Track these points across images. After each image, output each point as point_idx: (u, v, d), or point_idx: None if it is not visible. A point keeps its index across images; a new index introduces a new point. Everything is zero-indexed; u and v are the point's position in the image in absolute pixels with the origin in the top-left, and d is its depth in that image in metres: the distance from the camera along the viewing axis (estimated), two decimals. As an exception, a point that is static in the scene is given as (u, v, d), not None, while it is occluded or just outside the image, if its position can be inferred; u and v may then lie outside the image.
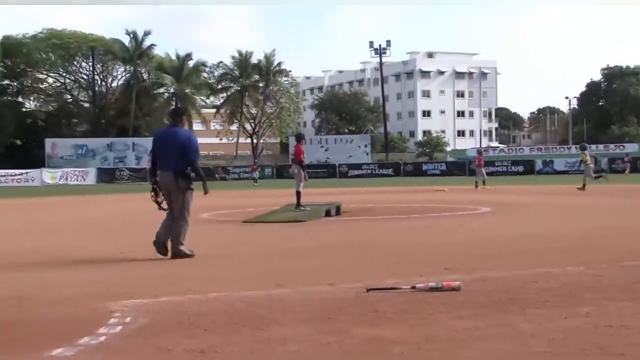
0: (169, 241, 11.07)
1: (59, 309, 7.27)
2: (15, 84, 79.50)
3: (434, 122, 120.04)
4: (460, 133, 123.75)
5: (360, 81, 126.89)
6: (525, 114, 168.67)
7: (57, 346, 5.67)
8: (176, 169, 11.01)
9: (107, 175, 63.41)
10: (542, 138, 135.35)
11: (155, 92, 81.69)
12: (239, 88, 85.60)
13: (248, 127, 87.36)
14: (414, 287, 7.63)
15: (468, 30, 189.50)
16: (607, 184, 32.93)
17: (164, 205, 11.38)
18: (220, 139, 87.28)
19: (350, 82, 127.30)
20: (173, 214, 11.14)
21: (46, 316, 6.94)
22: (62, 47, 77.72)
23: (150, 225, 18.11)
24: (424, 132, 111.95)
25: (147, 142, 69.24)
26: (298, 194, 19.88)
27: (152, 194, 11.50)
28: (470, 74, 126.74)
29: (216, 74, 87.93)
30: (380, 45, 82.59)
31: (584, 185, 30.11)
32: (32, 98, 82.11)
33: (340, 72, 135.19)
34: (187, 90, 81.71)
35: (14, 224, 19.95)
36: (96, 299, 7.60)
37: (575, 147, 69.81)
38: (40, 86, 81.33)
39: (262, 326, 6.23)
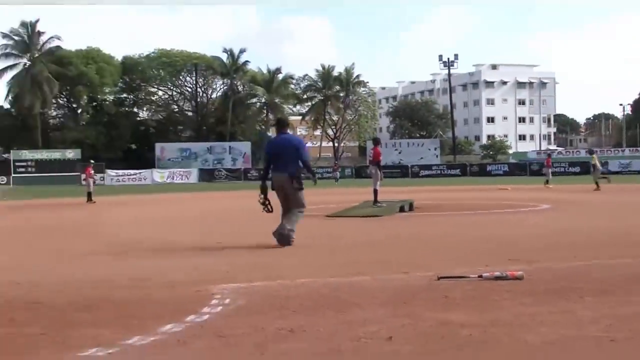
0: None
1: (168, 291, 7.41)
2: (132, 96, 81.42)
3: (497, 128, 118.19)
4: (521, 137, 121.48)
5: (431, 91, 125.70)
6: (581, 119, 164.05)
7: (167, 323, 5.78)
8: (291, 172, 11.22)
9: (207, 175, 64.23)
10: (598, 142, 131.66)
11: (248, 102, 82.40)
12: (322, 98, 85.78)
13: (330, 132, 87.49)
14: (480, 276, 7.53)
15: (529, 44, 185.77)
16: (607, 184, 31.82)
17: (270, 207, 11.57)
18: (306, 143, 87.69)
19: (422, 92, 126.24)
20: (289, 210, 11.26)
21: (157, 297, 7.08)
22: (171, 64, 79.22)
23: (243, 218, 18.37)
24: (488, 137, 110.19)
25: (241, 146, 70.22)
26: (375, 191, 19.82)
27: (262, 195, 11.56)
28: (531, 83, 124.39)
29: (302, 85, 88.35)
30: (448, 59, 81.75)
31: (597, 185, 29.66)
32: (145, 109, 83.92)
33: (413, 82, 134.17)
34: (276, 100, 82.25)
35: (130, 217, 20.39)
36: (199, 283, 7.71)
37: (630, 150, 68.17)
38: (152, 98, 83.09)
39: (344, 309, 6.23)
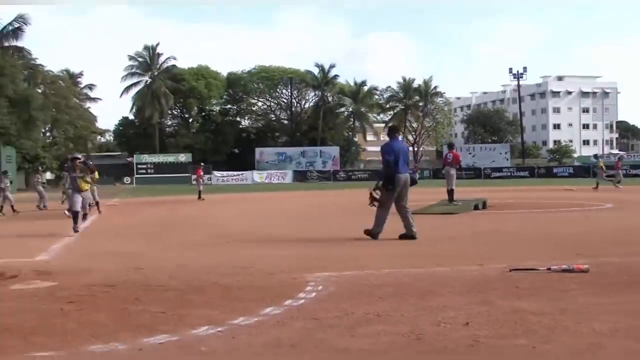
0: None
1: (268, 277, 7.49)
2: (235, 107, 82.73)
3: (563, 133, 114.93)
4: (585, 142, 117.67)
5: (502, 100, 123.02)
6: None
7: (267, 306, 5.85)
8: (410, 173, 11.42)
9: (300, 176, 64.66)
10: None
11: (337, 111, 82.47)
12: (403, 107, 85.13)
13: (410, 138, 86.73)
14: (549, 269, 7.34)
15: (592, 55, 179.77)
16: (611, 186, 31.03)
17: (376, 202, 11.41)
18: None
19: (493, 101, 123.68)
20: (402, 207, 11.16)
21: (258, 283, 7.16)
22: (269, 78, 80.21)
23: (332, 214, 18.42)
24: (554, 142, 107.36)
25: (331, 150, 70.41)
26: (451, 191, 19.58)
27: (377, 191, 11.46)
28: (594, 93, 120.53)
29: (385, 95, 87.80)
30: (518, 71, 79.85)
31: (597, 185, 30.46)
32: (246, 118, 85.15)
33: (485, 93, 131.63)
34: (362, 109, 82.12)
35: (234, 213, 20.73)
36: (295, 271, 7.77)
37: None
38: (253, 108, 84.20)
39: (425, 296, 6.17)
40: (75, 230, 13.47)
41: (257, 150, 71.11)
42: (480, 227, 13.53)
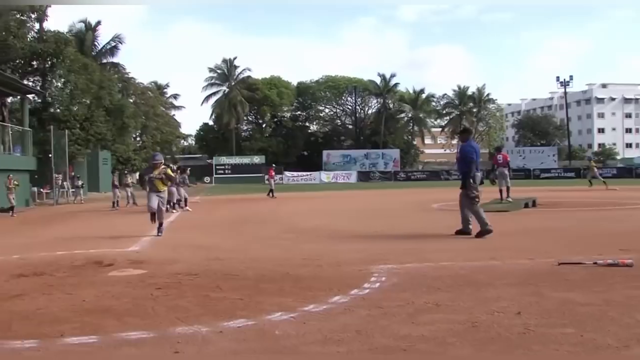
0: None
1: (335, 269, 7.50)
2: (304, 114, 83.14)
3: (607, 137, 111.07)
4: (628, 145, 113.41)
5: (549, 106, 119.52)
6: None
7: (335, 295, 5.87)
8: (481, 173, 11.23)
9: (364, 176, 64.45)
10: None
11: (398, 116, 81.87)
12: (458, 113, 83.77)
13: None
14: (595, 263, 7.16)
15: (635, 65, 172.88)
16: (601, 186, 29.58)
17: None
18: (445, 150, 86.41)
19: (542, 107, 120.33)
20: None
21: (326, 274, 7.19)
22: (335, 87, 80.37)
23: (394, 212, 18.30)
24: (599, 145, 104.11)
25: (392, 153, 70.05)
26: (501, 191, 19.22)
27: (480, 190, 11.09)
28: (637, 99, 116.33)
29: (441, 102, 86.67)
30: (564, 79, 77.61)
31: (591, 184, 30.28)
32: (314, 123, 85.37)
33: (534, 99, 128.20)
34: (420, 115, 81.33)
35: (303, 209, 20.82)
36: (360, 263, 7.77)
37: None
38: (320, 115, 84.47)
39: (480, 288, 6.09)
40: (159, 231, 12.48)
41: (325, 152, 71.30)
42: (530, 224, 13.20)
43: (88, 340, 4.52)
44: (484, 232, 10.53)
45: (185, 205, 21.29)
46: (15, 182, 21.08)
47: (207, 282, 6.72)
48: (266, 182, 30.57)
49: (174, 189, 20.36)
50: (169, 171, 13.24)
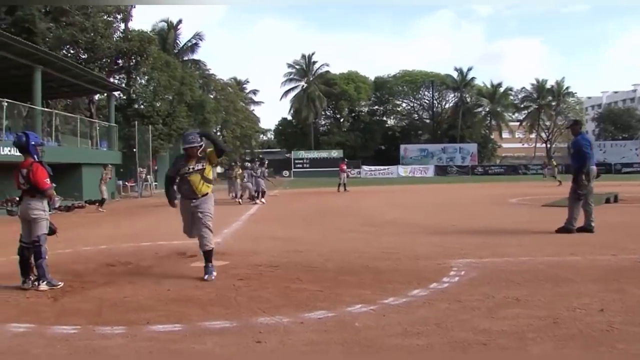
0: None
1: (413, 262, 7.45)
2: (381, 108, 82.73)
3: None
4: None
5: (632, 99, 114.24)
6: None
7: (414, 288, 5.84)
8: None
9: (441, 170, 63.71)
10: None
11: (475, 110, 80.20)
12: (536, 106, 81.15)
13: (543, 135, 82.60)
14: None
15: None
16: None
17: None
18: (523, 144, 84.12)
19: (624, 100, 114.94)
20: (588, 198, 10.38)
21: (405, 267, 7.15)
22: (412, 82, 79.55)
23: (471, 206, 17.95)
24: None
25: (469, 147, 68.78)
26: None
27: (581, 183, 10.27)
28: None
29: (519, 96, 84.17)
30: (648, 71, 73.99)
31: (558, 181, 30.29)
32: (392, 117, 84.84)
33: (616, 92, 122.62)
34: (498, 109, 79.28)
35: (381, 203, 20.72)
36: (439, 257, 7.68)
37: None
38: (397, 109, 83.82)
39: (560, 283, 5.93)
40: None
41: (402, 146, 70.87)
42: (611, 219, 12.63)
43: (173, 329, 4.67)
44: (566, 229, 10.17)
45: (262, 198, 21.57)
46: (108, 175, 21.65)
47: (288, 274, 6.82)
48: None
49: (249, 184, 20.76)
50: (210, 153, 7.22)
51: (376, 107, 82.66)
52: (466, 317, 4.74)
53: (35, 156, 6.59)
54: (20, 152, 6.64)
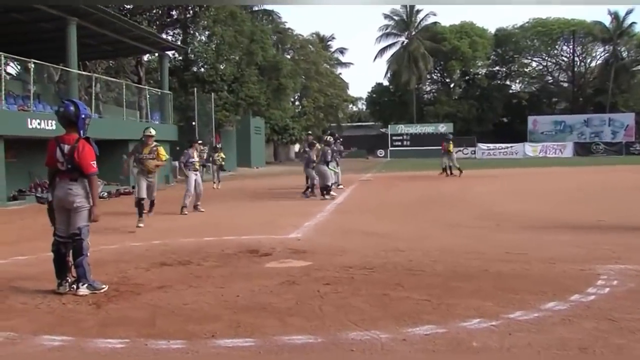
0: None
1: (547, 267, 7.31)
2: (504, 69, 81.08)
3: None
4: None
5: None
6: None
7: (549, 300, 5.72)
8: None
9: (582, 149, 61.85)
10: None
11: (633, 69, 76.95)
12: None
13: None
14: None
15: None
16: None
17: None
18: None
19: None
20: None
21: (536, 272, 7.02)
22: (546, 33, 77.22)
23: (626, 196, 17.33)
24: None
25: (623, 118, 66.08)
26: None
27: None
28: None
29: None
30: None
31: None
32: (517, 81, 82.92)
33: None
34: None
35: (500, 190, 20.38)
36: (581, 261, 7.50)
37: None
38: (525, 70, 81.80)
39: None
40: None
41: (530, 118, 69.18)
42: None
43: (244, 344, 4.78)
44: None
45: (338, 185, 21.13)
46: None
47: (386, 278, 6.83)
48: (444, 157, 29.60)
49: (324, 168, 18.86)
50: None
51: (497, 68, 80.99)
52: (622, 342, 4.60)
53: (82, 131, 6.68)
54: (63, 124, 6.71)
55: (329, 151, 18.92)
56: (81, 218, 6.56)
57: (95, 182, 6.67)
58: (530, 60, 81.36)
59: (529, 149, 62.04)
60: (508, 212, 13.57)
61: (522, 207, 14.50)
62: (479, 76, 78.53)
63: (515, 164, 44.38)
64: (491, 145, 63.22)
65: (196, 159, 15.79)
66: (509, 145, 63.32)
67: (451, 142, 29.55)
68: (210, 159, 27.37)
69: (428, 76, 78.27)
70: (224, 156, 27.33)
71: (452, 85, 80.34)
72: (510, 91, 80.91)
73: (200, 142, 20.23)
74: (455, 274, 6.99)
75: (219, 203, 17.64)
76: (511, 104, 77.79)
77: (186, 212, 14.78)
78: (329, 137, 20.90)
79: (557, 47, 79.14)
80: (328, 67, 70.63)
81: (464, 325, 5.02)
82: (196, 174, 15.42)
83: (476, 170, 33.04)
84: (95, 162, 6.59)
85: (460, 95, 77.95)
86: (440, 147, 30.69)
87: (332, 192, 18.39)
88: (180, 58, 38.76)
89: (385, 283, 6.57)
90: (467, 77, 78.94)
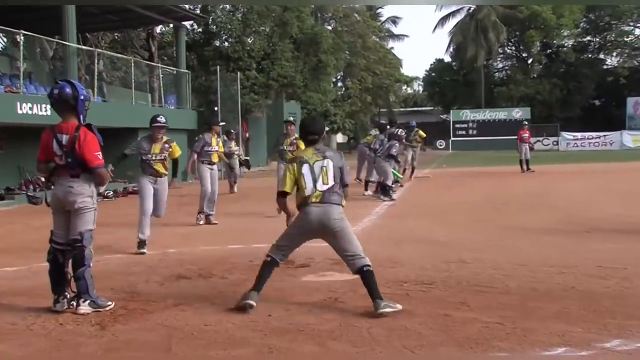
0: None
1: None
2: (597, 39, 79.55)
3: None
4: None
5: None
6: None
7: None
8: None
9: None
10: None
11: None
12: None
13: None
14: None
15: None
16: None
17: None
18: None
19: None
20: None
21: (637, 291, 6.97)
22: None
23: None
24: None
25: None
26: None
27: None
28: None
29: None
30: None
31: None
32: (614, 54, 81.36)
33: None
34: None
35: (590, 190, 20.19)
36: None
37: None
38: (625, 39, 79.88)
39: None
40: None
41: (630, 100, 67.97)
42: None
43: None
44: None
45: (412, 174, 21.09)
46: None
47: (447, 296, 6.85)
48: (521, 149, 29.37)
49: (386, 165, 18.76)
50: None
51: (588, 38, 79.70)
52: None
53: (82, 117, 6.62)
54: (58, 110, 6.66)
55: (397, 145, 19.01)
56: (84, 221, 6.55)
57: (103, 176, 6.65)
58: (632, 28, 79.41)
59: (628, 139, 60.93)
60: (601, 216, 13.52)
61: (620, 211, 14.38)
62: (565, 49, 77.22)
63: (610, 157, 43.85)
64: (578, 135, 62.39)
65: (215, 147, 14.89)
66: (601, 134, 62.39)
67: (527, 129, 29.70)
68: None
69: (500, 50, 77.59)
70: (237, 148, 25.71)
71: (530, 61, 79.34)
72: (605, 67, 79.12)
73: (223, 123, 19.59)
74: (534, 291, 6.97)
75: (245, 204, 17.74)
76: (605, 82, 76.26)
77: (201, 222, 14.12)
78: (399, 129, 20.85)
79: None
80: (377, 40, 70.42)
81: (545, 354, 5.02)
82: (212, 168, 14.51)
83: (559, 165, 32.81)
84: (100, 152, 6.51)
85: (540, 73, 76.95)
86: (515, 137, 30.57)
87: (392, 195, 18.15)
88: (200, 30, 38.81)
89: (446, 302, 6.59)
90: (549, 51, 77.88)
